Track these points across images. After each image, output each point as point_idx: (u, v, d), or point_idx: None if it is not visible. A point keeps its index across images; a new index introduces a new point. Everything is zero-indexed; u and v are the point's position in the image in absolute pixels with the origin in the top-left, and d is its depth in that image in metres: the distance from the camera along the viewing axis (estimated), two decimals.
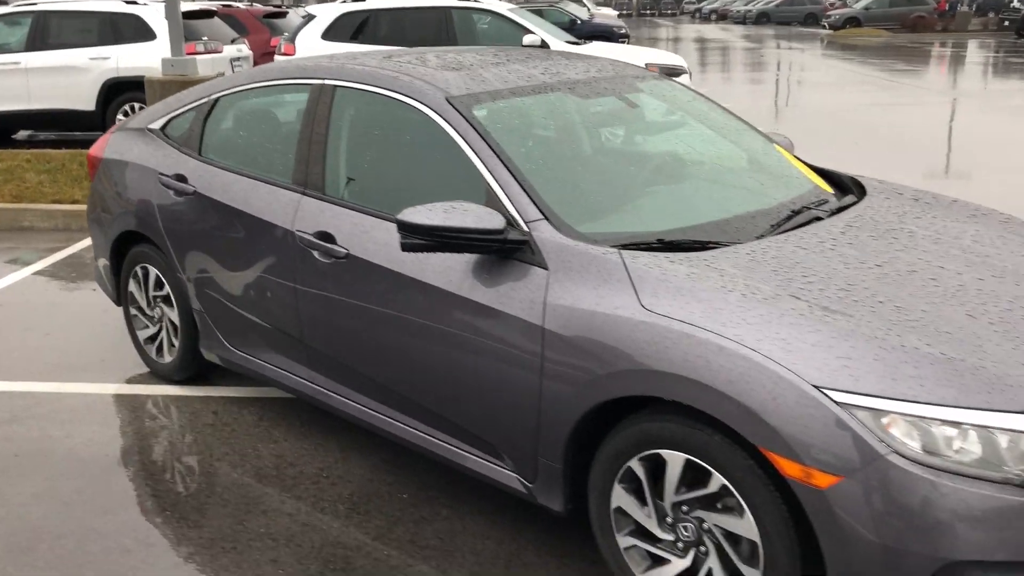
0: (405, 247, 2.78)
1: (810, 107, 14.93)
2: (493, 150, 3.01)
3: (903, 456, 2.16)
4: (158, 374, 4.45)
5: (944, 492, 2.13)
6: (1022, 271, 2.82)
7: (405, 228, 2.77)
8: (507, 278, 2.83)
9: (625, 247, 2.75)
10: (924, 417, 2.18)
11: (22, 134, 12.29)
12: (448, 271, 2.97)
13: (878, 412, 2.19)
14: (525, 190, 2.90)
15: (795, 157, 3.82)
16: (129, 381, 4.43)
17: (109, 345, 4.84)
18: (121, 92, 10.69)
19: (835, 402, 2.22)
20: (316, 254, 3.35)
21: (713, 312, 2.45)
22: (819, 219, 3.11)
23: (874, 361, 2.27)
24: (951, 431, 2.18)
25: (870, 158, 10.14)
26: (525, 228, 2.83)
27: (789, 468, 2.26)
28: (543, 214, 2.85)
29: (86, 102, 10.77)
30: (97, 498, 3.40)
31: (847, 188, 3.62)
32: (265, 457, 3.69)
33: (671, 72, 10.57)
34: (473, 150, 3.02)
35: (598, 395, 2.60)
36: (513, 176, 2.93)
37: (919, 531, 2.14)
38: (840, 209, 3.24)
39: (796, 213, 3.14)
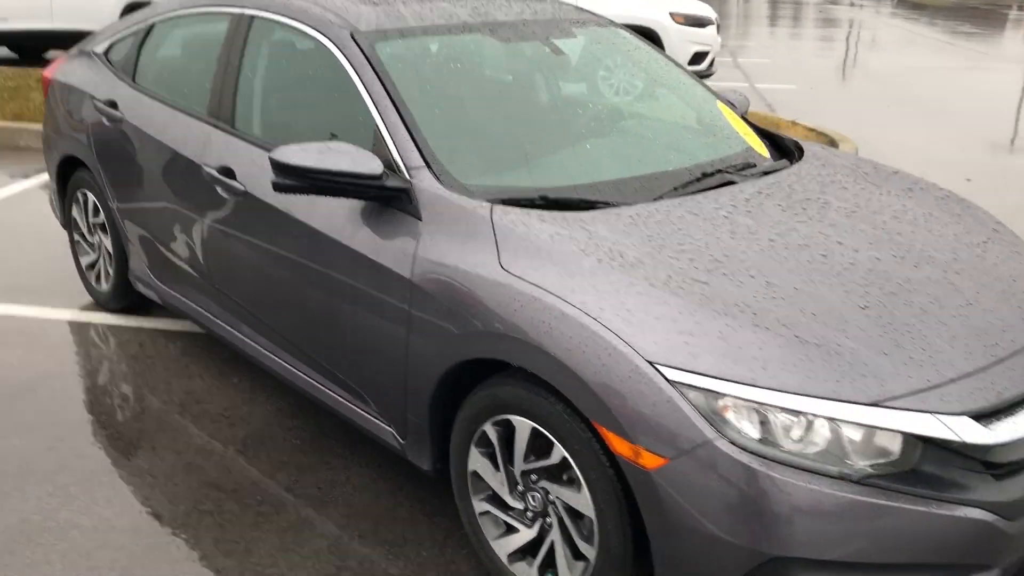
0: (276, 187, 2.66)
1: (868, 69, 14.38)
2: (387, 91, 2.86)
3: (733, 443, 2.02)
4: (97, 302, 4.43)
5: (773, 484, 1.99)
6: (930, 252, 2.62)
7: (277, 168, 2.65)
8: (385, 227, 2.71)
9: (504, 202, 2.61)
10: (762, 403, 2.03)
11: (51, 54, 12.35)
12: (332, 215, 2.85)
13: (713, 394, 2.05)
14: (412, 135, 2.76)
15: (741, 117, 3.61)
16: (70, 307, 4.42)
17: (62, 270, 4.82)
18: None
19: (667, 379, 2.07)
20: (219, 189, 3.26)
21: (565, 276, 2.31)
22: (732, 183, 2.93)
23: (717, 339, 2.12)
24: (791, 419, 2.03)
25: (927, 124, 9.73)
26: (407, 176, 2.70)
27: (619, 445, 2.13)
28: (426, 162, 2.71)
29: (107, 22, 10.67)
30: None
31: (788, 153, 3.41)
32: (175, 392, 3.66)
33: (696, 22, 10.19)
34: (367, 90, 2.88)
35: (456, 355, 2.49)
36: (402, 119, 2.79)
37: (743, 523, 2.01)
38: (764, 174, 3.05)
39: (708, 175, 2.95)
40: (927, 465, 2.08)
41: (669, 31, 10.10)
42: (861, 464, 2.04)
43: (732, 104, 3.77)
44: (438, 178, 2.67)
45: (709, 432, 2.03)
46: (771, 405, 2.03)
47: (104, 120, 3.95)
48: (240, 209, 3.18)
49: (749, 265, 2.39)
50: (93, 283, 4.42)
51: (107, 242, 4.19)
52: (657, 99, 3.49)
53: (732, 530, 2.02)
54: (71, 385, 3.69)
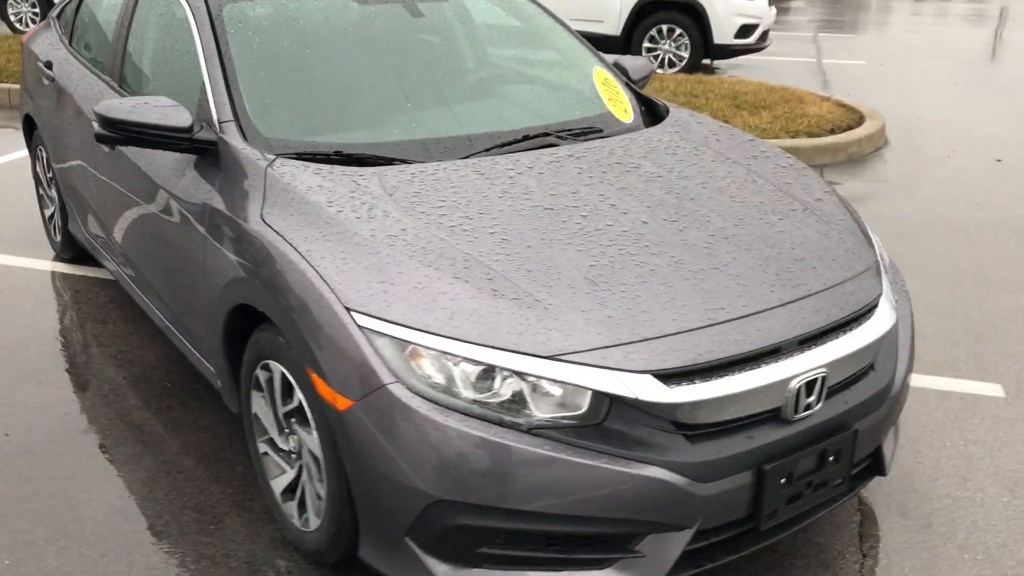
0: (98, 138, 2.84)
1: (953, 47, 13.69)
2: (218, 49, 3.00)
3: (410, 388, 2.08)
4: (55, 252, 4.76)
5: (437, 429, 2.04)
6: (711, 218, 2.58)
7: (99, 120, 2.82)
8: (197, 177, 2.86)
9: (298, 156, 2.71)
10: (444, 351, 2.08)
11: None
12: (163, 165, 3.03)
13: (401, 342, 2.11)
14: (230, 91, 2.89)
15: (627, 83, 3.59)
16: (32, 256, 4.75)
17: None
18: (653, 11, 10.00)
19: (358, 326, 2.15)
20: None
21: (304, 226, 2.40)
22: (553, 145, 2.95)
23: (413, 289, 2.18)
24: (471, 368, 2.07)
25: (988, 105, 9.25)
26: (218, 129, 2.83)
27: (322, 388, 2.22)
28: (235, 117, 2.84)
29: (612, 26, 10.19)
30: None
31: (659, 119, 3.38)
32: (86, 335, 3.92)
33: None
34: (202, 48, 3.02)
35: (230, 301, 2.62)
36: (224, 76, 2.93)
37: (411, 465, 2.07)
38: (604, 137, 3.06)
39: (531, 137, 2.97)
40: (615, 422, 2.09)
41: (713, 2, 9.88)
42: (542, 416, 2.06)
43: (623, 70, 3.75)
44: (243, 132, 2.79)
45: (386, 376, 2.09)
46: (452, 354, 2.07)
47: (44, 80, 4.23)
48: (112, 161, 3.39)
49: (496, 223, 2.42)
50: (51, 234, 4.75)
51: (54, 195, 4.50)
52: (524, 61, 3.50)
53: (403, 472, 2.08)
54: (6, 319, 4.01)
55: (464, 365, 2.08)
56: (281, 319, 2.34)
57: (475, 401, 2.07)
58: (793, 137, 6.96)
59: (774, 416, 2.24)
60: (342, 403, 2.16)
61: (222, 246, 2.63)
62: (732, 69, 11.12)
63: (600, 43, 10.21)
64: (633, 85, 3.65)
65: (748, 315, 2.24)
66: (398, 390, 2.08)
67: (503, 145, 2.91)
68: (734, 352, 2.15)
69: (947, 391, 3.57)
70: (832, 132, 7.20)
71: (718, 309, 2.23)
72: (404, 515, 2.12)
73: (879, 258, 2.70)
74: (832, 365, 2.29)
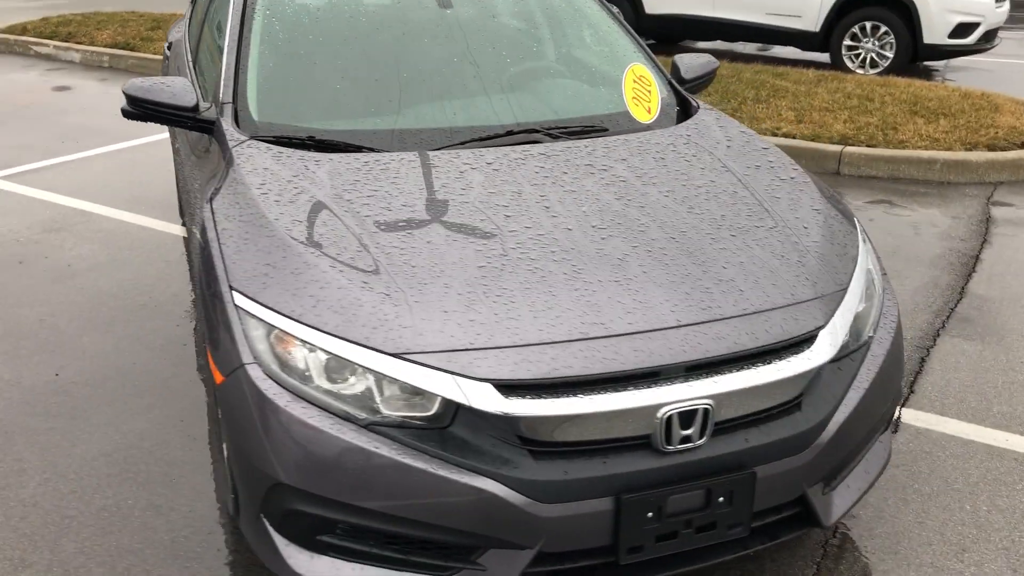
0: (124, 113, 3.10)
1: None
2: (240, 33, 3.18)
3: (265, 371, 2.13)
4: (182, 219, 5.23)
5: (276, 413, 2.07)
6: (649, 227, 2.43)
7: (125, 97, 3.09)
8: (203, 154, 3.05)
9: (276, 140, 2.82)
10: (303, 339, 2.11)
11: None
12: (193, 140, 3.26)
13: (267, 325, 2.16)
14: (237, 74, 3.06)
15: (668, 80, 3.42)
16: (168, 221, 5.25)
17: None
18: (857, 7, 9.35)
19: (235, 304, 2.22)
20: None
21: (231, 206, 2.51)
22: (537, 142, 2.88)
23: (290, 274, 2.22)
24: (322, 357, 2.09)
25: None
26: (219, 110, 3.01)
27: (210, 361, 2.32)
28: (234, 99, 3.00)
29: (810, 21, 9.55)
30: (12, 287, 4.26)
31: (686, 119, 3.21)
32: (166, 290, 4.29)
33: None
34: (229, 32, 3.22)
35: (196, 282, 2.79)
36: (237, 60, 3.10)
37: (257, 447, 2.12)
38: (602, 136, 2.95)
39: (515, 133, 2.92)
40: (460, 428, 2.04)
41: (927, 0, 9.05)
42: (391, 414, 2.05)
43: (676, 67, 3.57)
44: (236, 114, 2.95)
45: (246, 357, 2.16)
46: (308, 342, 2.10)
47: (164, 59, 4.66)
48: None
49: (413, 217, 2.41)
50: (181, 203, 5.22)
51: None
52: (557, 54, 3.42)
53: (252, 451, 2.14)
54: (110, 272, 4.46)
55: (319, 354, 2.10)
56: (199, 294, 2.46)
57: (328, 392, 2.08)
58: (969, 150, 6.27)
59: (644, 444, 2.08)
60: (218, 377, 2.24)
61: (193, 225, 2.81)
62: (955, 72, 10.14)
63: (797, 40, 9.68)
64: (675, 83, 3.46)
65: (630, 333, 2.09)
66: (254, 371, 2.13)
67: (484, 139, 2.88)
68: (597, 370, 2.02)
69: (1003, 448, 3.12)
70: (1022, 146, 6.42)
71: (596, 324, 2.10)
72: (256, 493, 2.18)
73: (848, 288, 2.41)
74: (723, 398, 2.10)
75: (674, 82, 3.47)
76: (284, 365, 2.11)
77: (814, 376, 2.26)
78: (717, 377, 2.10)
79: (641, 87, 3.33)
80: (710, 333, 2.14)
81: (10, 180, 5.88)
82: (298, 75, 3.11)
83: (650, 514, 2.07)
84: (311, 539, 2.14)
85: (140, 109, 3.02)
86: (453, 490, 1.99)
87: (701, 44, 11.38)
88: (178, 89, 3.00)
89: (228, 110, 2.97)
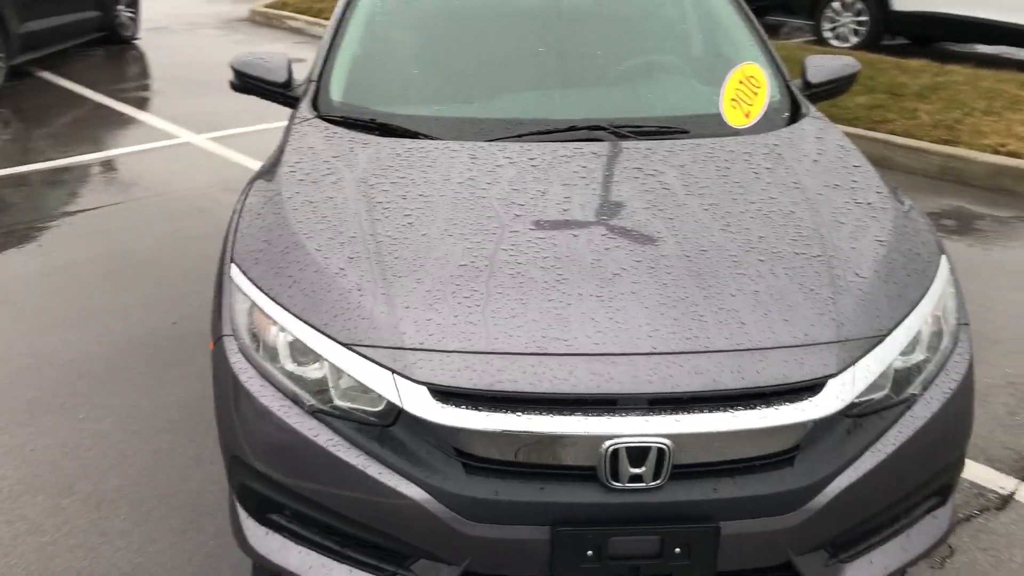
0: (231, 86, 3.28)
1: None
2: (343, 16, 3.26)
3: (239, 344, 2.17)
4: None
5: (237, 389, 2.10)
6: (658, 243, 2.21)
7: (232, 70, 3.26)
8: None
9: (342, 120, 2.86)
10: (272, 318, 2.13)
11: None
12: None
13: (249, 300, 2.20)
14: (327, 55, 3.13)
15: (786, 83, 3.12)
16: None
17: None
18: None
19: (229, 276, 2.28)
20: None
21: (265, 181, 2.57)
22: (598, 139, 2.73)
23: (279, 253, 2.24)
24: (286, 338, 2.10)
25: None
26: (305, 87, 3.10)
27: (212, 328, 2.39)
28: (319, 77, 3.07)
29: None
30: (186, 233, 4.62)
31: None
32: None
33: None
34: (334, 14, 3.30)
35: None
36: (332, 41, 3.17)
37: (224, 416, 2.17)
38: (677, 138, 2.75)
39: (576, 128, 2.77)
40: (401, 430, 1.98)
41: None
42: (343, 403, 2.02)
43: (804, 71, 3.25)
44: (317, 93, 3.02)
45: (226, 328, 2.21)
46: (276, 321, 2.12)
47: None
48: None
49: (425, 207, 2.35)
50: None
51: None
52: (653, 50, 3.19)
53: (219, 419, 2.19)
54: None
55: (284, 335, 2.11)
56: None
57: (290, 374, 2.08)
58: None
59: (590, 477, 1.92)
60: (211, 345, 2.32)
61: None
62: None
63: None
64: (792, 87, 3.14)
65: (592, 354, 1.93)
66: (229, 343, 2.18)
67: (545, 133, 2.76)
68: (544, 389, 1.88)
69: None
70: None
71: (557, 339, 1.95)
72: (225, 462, 2.24)
73: (889, 335, 2.07)
74: (686, 439, 1.89)
75: (792, 86, 3.15)
76: (257, 341, 2.14)
77: (822, 430, 1.98)
78: (682, 416, 1.89)
79: (747, 88, 3.04)
80: (687, 366, 1.92)
81: (215, 141, 6.42)
82: (385, 59, 3.14)
83: (589, 552, 1.91)
84: (263, 516, 2.17)
85: (242, 81, 3.18)
86: (379, 491, 1.93)
87: (957, 48, 10.31)
88: (274, 65, 3.13)
89: (311, 89, 3.05)
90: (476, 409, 1.89)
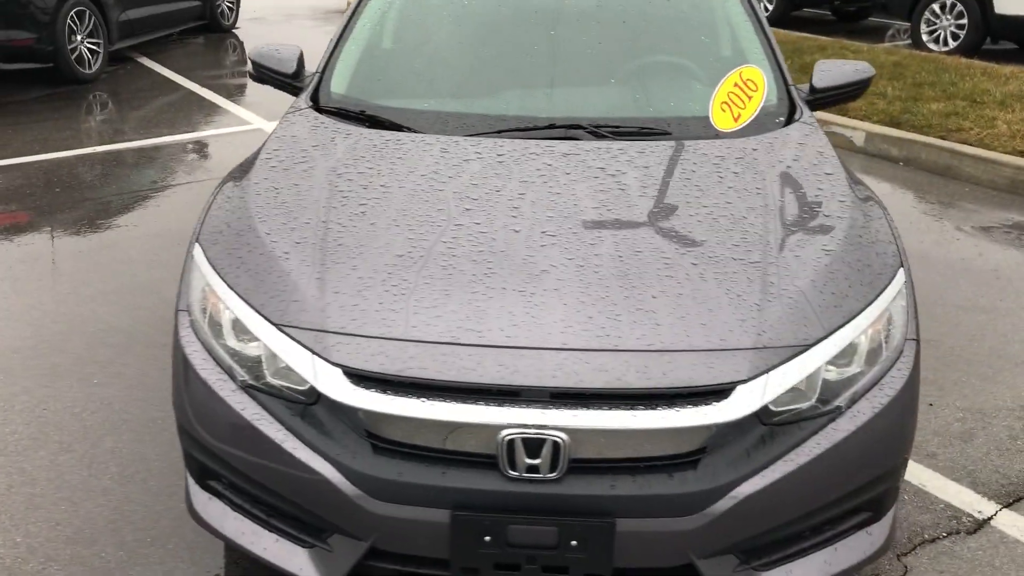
0: (249, 75, 3.44)
1: None
2: (355, 10, 3.37)
3: (191, 319, 2.29)
4: None
5: (188, 363, 2.22)
6: (597, 246, 2.24)
7: (250, 60, 3.42)
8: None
9: (337, 111, 2.97)
10: (218, 296, 2.25)
11: None
12: None
13: (203, 278, 2.32)
14: (334, 49, 3.26)
15: (787, 88, 3.08)
16: None
17: None
18: None
19: (192, 256, 2.41)
20: None
21: (243, 168, 2.70)
22: (573, 138, 2.76)
23: (235, 235, 2.37)
24: (229, 316, 2.21)
25: None
26: (311, 78, 3.23)
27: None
28: (323, 70, 3.20)
29: None
30: None
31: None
32: None
33: None
34: (348, 8, 3.42)
35: None
36: (340, 34, 3.30)
37: (174, 387, 2.30)
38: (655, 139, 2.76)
39: (555, 127, 2.81)
40: (322, 408, 2.07)
41: None
42: (275, 381, 2.13)
43: (816, 77, 3.19)
44: (319, 84, 3.15)
45: (182, 303, 2.35)
46: (220, 299, 2.24)
47: None
48: None
49: (382, 197, 2.43)
50: None
51: None
52: (649, 50, 3.19)
53: (173, 389, 2.33)
54: None
55: (228, 312, 2.22)
56: None
57: (231, 350, 2.19)
58: None
59: (491, 465, 1.97)
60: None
61: None
62: None
63: None
64: (792, 91, 3.10)
65: (502, 346, 1.98)
66: (182, 318, 2.32)
67: (524, 130, 2.81)
68: (450, 377, 1.94)
69: None
70: None
71: (471, 331, 2.01)
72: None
73: (815, 346, 2.05)
74: (584, 434, 1.92)
75: (793, 90, 3.11)
76: (206, 316, 2.26)
77: (733, 434, 1.98)
78: (580, 411, 1.92)
79: (742, 92, 3.02)
80: (593, 363, 1.95)
81: None
82: (386, 54, 3.24)
83: (487, 538, 1.96)
84: (205, 483, 2.29)
85: (258, 72, 3.33)
86: (294, 465, 2.03)
87: None
88: (285, 56, 3.26)
89: (315, 80, 3.17)
90: (384, 393, 1.96)
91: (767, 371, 1.98)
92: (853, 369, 2.13)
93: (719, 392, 1.95)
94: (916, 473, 2.94)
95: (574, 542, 1.95)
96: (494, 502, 1.95)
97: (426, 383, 1.95)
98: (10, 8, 7.29)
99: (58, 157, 6.01)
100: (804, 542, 2.14)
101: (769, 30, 3.30)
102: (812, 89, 3.16)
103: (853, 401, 2.09)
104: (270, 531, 2.19)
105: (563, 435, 1.91)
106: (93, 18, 8.09)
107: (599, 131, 2.79)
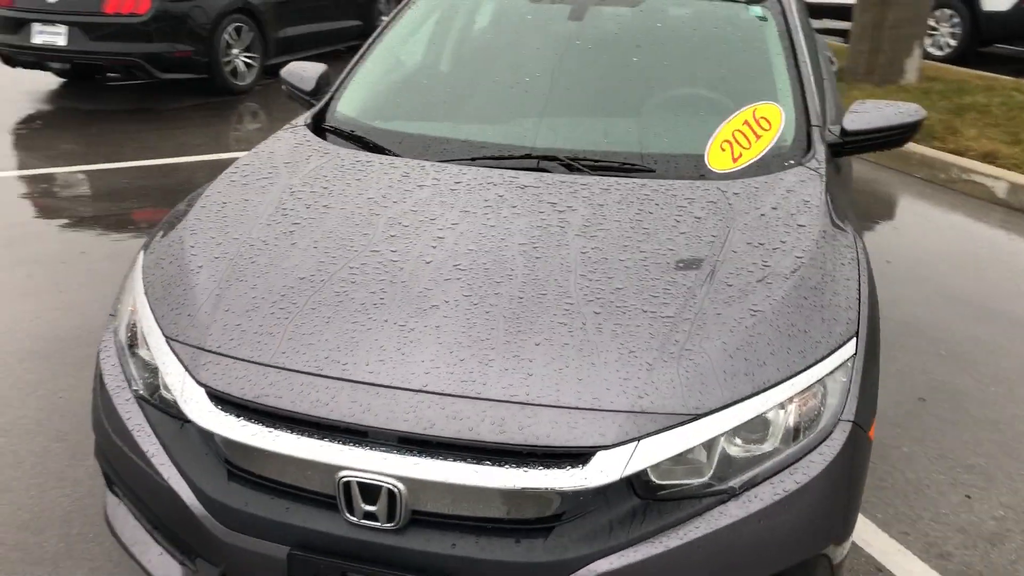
0: (285, 92, 3.51)
1: None
2: (380, 33, 3.38)
3: (115, 329, 2.32)
4: None
5: (98, 368, 2.26)
6: (504, 284, 2.10)
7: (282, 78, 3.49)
8: None
9: (334, 130, 2.98)
10: (139, 310, 2.27)
11: None
12: None
13: (132, 289, 2.35)
14: (352, 69, 3.27)
15: (807, 129, 2.81)
16: None
17: None
18: None
19: (135, 262, 2.46)
20: None
21: (221, 179, 2.73)
22: (544, 169, 2.63)
23: (167, 246, 2.41)
24: (140, 325, 2.23)
25: None
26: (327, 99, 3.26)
27: None
28: (335, 91, 3.22)
29: None
30: None
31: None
32: None
33: None
34: (374, 35, 3.44)
35: None
36: (360, 57, 3.31)
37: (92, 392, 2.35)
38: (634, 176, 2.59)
39: (531, 157, 2.69)
40: (193, 429, 2.04)
41: None
42: (166, 393, 2.11)
43: (848, 119, 2.88)
44: (329, 103, 3.17)
45: (112, 309, 2.40)
46: (136, 307, 2.27)
47: None
48: None
49: (316, 218, 2.40)
50: None
51: None
52: (660, 83, 2.98)
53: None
54: None
55: (143, 322, 2.25)
56: None
57: (143, 360, 2.21)
58: None
59: (335, 506, 1.87)
60: None
61: None
62: None
63: None
64: (817, 132, 2.80)
65: (360, 382, 1.89)
66: (110, 322, 2.36)
67: (503, 158, 2.70)
68: (302, 410, 1.87)
69: None
70: None
71: (336, 363, 1.93)
72: None
73: (704, 416, 1.83)
74: (422, 485, 1.80)
75: (816, 131, 2.82)
76: (127, 324, 2.29)
77: (597, 504, 1.80)
78: (422, 460, 1.79)
79: (750, 131, 2.78)
80: (448, 409, 1.82)
81: None
82: (396, 78, 3.24)
83: None
84: (111, 487, 2.32)
85: (287, 88, 3.40)
86: (159, 482, 2.01)
87: None
88: (307, 75, 3.32)
89: (324, 100, 3.19)
90: (239, 418, 1.91)
91: (638, 438, 1.78)
92: (766, 447, 1.89)
93: (577, 456, 1.77)
94: (918, 575, 2.58)
95: None
96: (333, 546, 1.86)
97: (278, 413, 1.89)
98: (171, 23, 7.86)
99: (191, 161, 6.40)
100: None
101: (807, 62, 3.01)
102: (843, 132, 2.86)
103: (754, 484, 1.85)
104: (156, 543, 2.18)
105: (399, 483, 1.79)
106: (252, 34, 8.59)
107: (574, 164, 2.64)
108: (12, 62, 8.21)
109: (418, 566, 1.81)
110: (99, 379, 2.24)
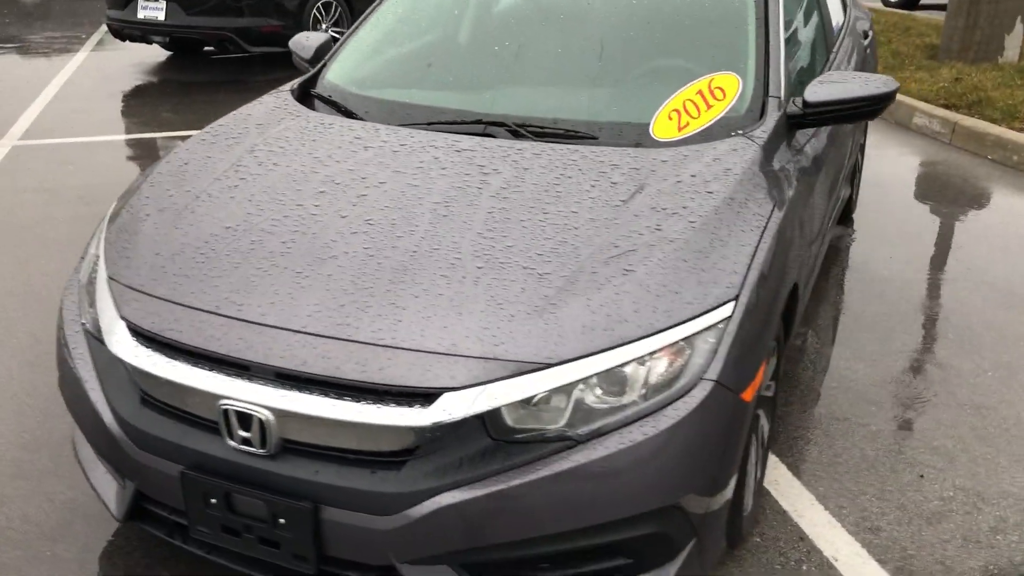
0: (293, 60, 3.72)
1: None
2: (372, 10, 3.54)
3: (80, 281, 2.57)
4: None
5: (62, 307, 2.52)
6: (415, 239, 2.23)
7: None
8: None
9: (318, 97, 3.16)
10: (97, 252, 2.52)
11: None
12: None
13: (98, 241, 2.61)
14: (345, 39, 3.45)
15: (763, 100, 2.82)
16: None
17: None
18: None
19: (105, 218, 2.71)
20: None
21: (195, 139, 2.96)
22: (491, 135, 2.74)
23: (126, 196, 2.64)
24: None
25: None
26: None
27: None
28: (327, 60, 3.40)
29: None
30: None
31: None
32: None
33: None
34: (371, 7, 3.60)
35: None
36: (355, 29, 3.48)
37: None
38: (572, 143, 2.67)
39: (482, 123, 2.80)
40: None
41: None
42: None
43: (810, 90, 2.86)
44: (320, 70, 3.36)
45: (83, 253, 2.65)
46: (97, 250, 2.51)
47: None
48: None
49: (261, 173, 2.59)
50: None
51: None
52: (621, 53, 3.01)
53: None
54: None
55: (96, 265, 2.49)
56: None
57: (93, 299, 2.44)
58: None
59: (217, 431, 2.07)
60: None
61: None
62: None
63: None
64: (772, 103, 2.80)
65: (248, 321, 2.06)
66: (74, 278, 2.59)
67: (456, 123, 2.82)
68: (195, 343, 2.07)
69: None
70: None
71: (232, 303, 2.12)
72: None
73: (557, 365, 1.92)
74: (288, 416, 1.96)
75: (771, 103, 2.81)
76: (86, 264, 2.53)
77: (451, 442, 1.92)
78: (287, 392, 1.96)
79: (702, 100, 2.81)
80: (320, 349, 1.98)
81: None
82: (382, 48, 3.38)
83: (214, 500, 2.07)
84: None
85: (293, 57, 3.61)
86: (89, 405, 2.25)
87: None
88: (309, 44, 3.51)
89: (318, 67, 3.38)
90: (148, 349, 2.13)
91: (486, 383, 1.90)
92: (624, 400, 1.97)
93: (425, 396, 1.90)
94: (839, 546, 2.58)
95: (282, 520, 2.00)
96: (218, 468, 2.05)
97: (177, 345, 2.08)
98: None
99: None
100: (543, 572, 2.01)
101: (778, 31, 2.99)
102: (804, 103, 2.84)
103: (601, 433, 1.93)
104: (103, 462, 2.43)
105: (268, 413, 1.96)
106: (339, 9, 8.92)
107: (520, 131, 2.73)
108: (121, 36, 8.81)
109: (287, 489, 1.98)
110: (60, 313, 2.49)
